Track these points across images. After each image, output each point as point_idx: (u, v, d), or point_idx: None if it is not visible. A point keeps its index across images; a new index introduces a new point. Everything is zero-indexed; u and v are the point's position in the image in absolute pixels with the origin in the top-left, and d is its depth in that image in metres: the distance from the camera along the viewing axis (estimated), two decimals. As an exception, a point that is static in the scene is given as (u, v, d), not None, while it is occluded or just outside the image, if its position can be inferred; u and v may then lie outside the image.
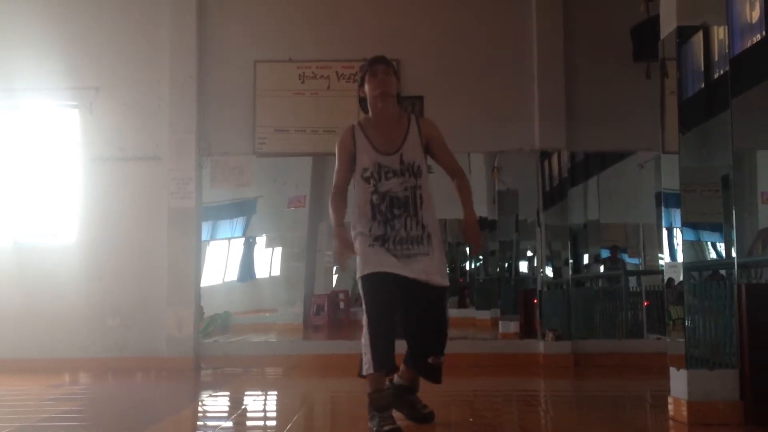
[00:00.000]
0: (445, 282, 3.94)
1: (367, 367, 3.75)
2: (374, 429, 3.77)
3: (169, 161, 7.05)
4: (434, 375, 4.09)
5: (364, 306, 3.80)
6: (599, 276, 9.14)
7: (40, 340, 6.85)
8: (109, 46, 7.25)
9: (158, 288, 6.96)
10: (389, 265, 3.81)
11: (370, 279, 3.80)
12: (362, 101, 4.16)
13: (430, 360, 4.01)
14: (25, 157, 7.41)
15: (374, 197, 3.89)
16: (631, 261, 9.47)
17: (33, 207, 7.39)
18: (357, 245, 3.87)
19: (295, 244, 10.17)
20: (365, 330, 3.77)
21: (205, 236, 7.50)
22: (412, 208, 3.89)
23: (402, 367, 4.11)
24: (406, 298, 3.86)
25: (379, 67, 4.04)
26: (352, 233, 3.94)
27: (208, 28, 7.23)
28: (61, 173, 7.37)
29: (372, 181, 3.90)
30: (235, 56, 7.25)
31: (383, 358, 3.75)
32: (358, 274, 3.87)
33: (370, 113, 4.10)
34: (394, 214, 3.87)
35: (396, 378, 4.15)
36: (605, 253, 9.43)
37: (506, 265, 9.55)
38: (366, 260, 3.85)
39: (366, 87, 4.06)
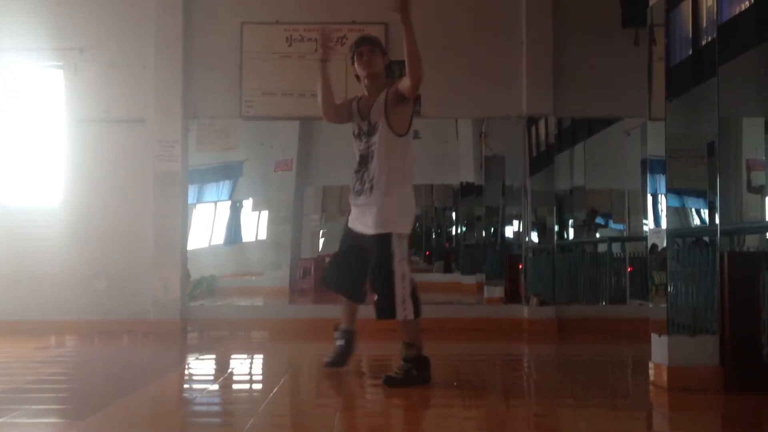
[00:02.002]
0: (379, 230, 4.25)
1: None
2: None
3: (155, 124, 7.00)
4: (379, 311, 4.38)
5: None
6: (583, 242, 9.20)
7: (26, 302, 6.84)
8: (93, 6, 7.15)
9: (144, 251, 6.94)
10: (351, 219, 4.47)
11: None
12: (357, 77, 4.58)
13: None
14: (9, 118, 7.33)
15: (356, 153, 4.47)
16: (615, 227, 9.54)
17: (18, 169, 7.33)
18: None
19: (281, 207, 10.18)
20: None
21: (191, 199, 7.48)
22: (368, 163, 4.36)
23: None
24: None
25: (365, 48, 4.45)
26: None
27: (194, -11, 7.14)
28: (46, 135, 7.30)
29: (355, 140, 4.48)
30: (221, 18, 7.16)
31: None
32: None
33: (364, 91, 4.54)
34: (358, 169, 4.41)
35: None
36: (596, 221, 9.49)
37: (492, 230, 9.59)
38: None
39: (355, 67, 4.49)
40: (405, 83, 4.30)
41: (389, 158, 4.30)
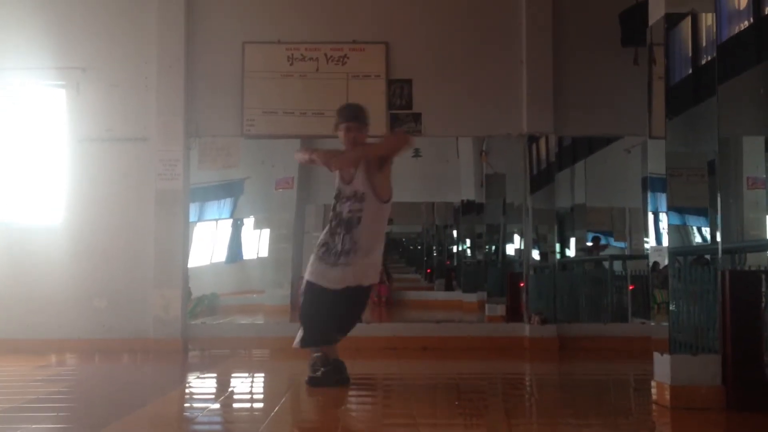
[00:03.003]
0: (365, 282, 4.79)
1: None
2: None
3: (157, 142, 7.02)
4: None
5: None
6: (585, 260, 9.20)
7: (27, 320, 6.83)
8: (96, 26, 7.19)
9: (145, 269, 6.95)
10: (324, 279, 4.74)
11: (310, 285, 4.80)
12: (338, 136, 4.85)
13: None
14: (11, 136, 7.36)
15: (332, 214, 4.75)
16: (616, 245, 9.54)
17: (20, 188, 7.35)
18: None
19: (282, 225, 10.20)
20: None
21: (192, 217, 7.49)
22: (352, 228, 4.66)
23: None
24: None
25: (353, 125, 4.73)
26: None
27: (196, 8, 7.18)
28: (48, 154, 7.32)
29: (335, 202, 4.75)
30: (223, 37, 7.20)
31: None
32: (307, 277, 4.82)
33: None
34: (340, 231, 4.68)
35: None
36: (589, 237, 9.50)
37: (493, 248, 9.59)
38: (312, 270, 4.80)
39: (340, 134, 4.77)
40: (386, 148, 4.81)
41: (373, 223, 4.72)
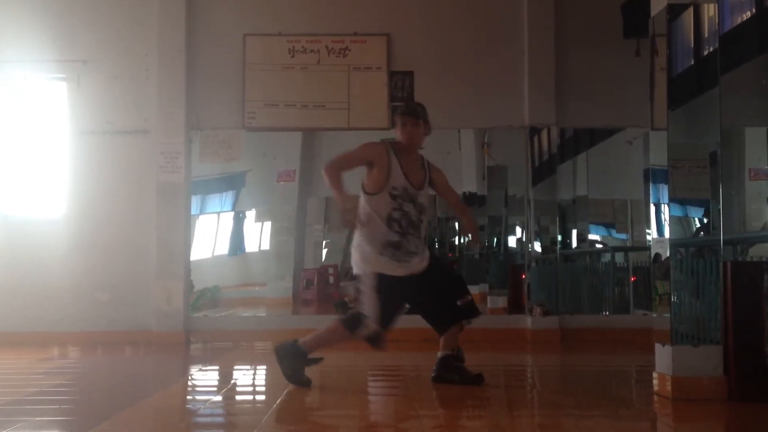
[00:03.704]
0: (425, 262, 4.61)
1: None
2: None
3: (158, 135, 7.02)
4: (471, 310, 4.65)
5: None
6: (587, 252, 9.19)
7: (29, 313, 6.85)
8: (97, 19, 7.19)
9: (147, 262, 6.96)
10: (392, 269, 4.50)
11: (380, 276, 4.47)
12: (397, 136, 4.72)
13: (459, 303, 4.62)
14: (12, 129, 7.36)
15: (395, 213, 4.50)
16: (618, 237, 9.52)
17: (21, 180, 7.35)
18: (367, 248, 4.51)
19: (284, 218, 10.18)
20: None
21: (194, 210, 7.49)
22: (419, 230, 4.60)
23: (442, 340, 4.71)
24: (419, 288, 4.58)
25: (409, 119, 4.63)
26: (360, 234, 4.54)
27: (197, 1, 7.17)
28: (49, 146, 7.32)
29: (399, 200, 4.51)
30: (224, 30, 7.19)
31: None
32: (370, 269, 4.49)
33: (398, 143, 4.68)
34: (409, 231, 4.52)
35: (440, 351, 4.72)
36: (596, 230, 9.48)
37: (495, 240, 9.59)
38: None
39: (397, 131, 4.67)
40: (454, 199, 5.09)
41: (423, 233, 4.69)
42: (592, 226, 9.45)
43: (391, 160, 4.53)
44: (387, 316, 4.44)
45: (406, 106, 4.87)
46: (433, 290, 4.60)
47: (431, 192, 4.79)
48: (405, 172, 4.56)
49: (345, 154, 4.66)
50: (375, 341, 4.47)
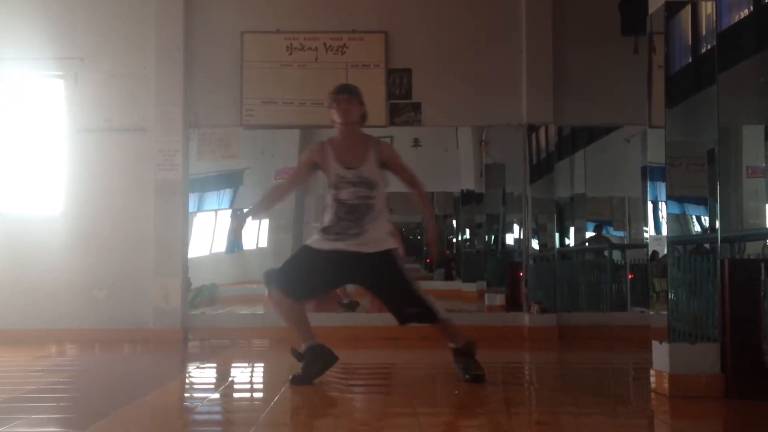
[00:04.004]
0: (383, 246, 4.58)
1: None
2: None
3: (156, 133, 7.01)
4: (420, 317, 4.66)
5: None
6: (585, 249, 9.20)
7: (26, 311, 6.85)
8: (94, 16, 7.17)
9: (145, 260, 6.95)
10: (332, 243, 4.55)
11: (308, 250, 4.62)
12: (333, 122, 4.70)
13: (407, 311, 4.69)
14: (9, 127, 7.35)
15: (335, 203, 4.55)
16: (616, 234, 9.53)
17: (18, 178, 7.34)
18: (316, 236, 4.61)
19: (282, 215, 10.17)
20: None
21: (192, 208, 7.49)
22: (362, 216, 4.52)
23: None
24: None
25: (342, 97, 4.63)
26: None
27: (195, -2, 7.17)
28: (47, 144, 7.31)
29: (335, 188, 4.55)
30: (221, 27, 7.19)
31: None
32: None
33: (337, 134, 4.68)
34: (345, 218, 4.52)
35: (450, 343, 4.71)
36: (590, 227, 9.49)
37: (493, 238, 9.59)
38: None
39: (333, 111, 4.64)
40: (408, 178, 4.79)
41: (382, 211, 4.64)
42: (590, 224, 9.46)
43: (326, 154, 4.58)
44: (290, 280, 4.56)
45: (339, 85, 4.85)
46: (381, 292, 4.73)
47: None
48: (338, 159, 4.57)
49: (293, 171, 4.87)
50: (278, 305, 4.66)
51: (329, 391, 4.55)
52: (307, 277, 4.58)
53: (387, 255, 4.56)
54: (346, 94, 4.65)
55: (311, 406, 4.26)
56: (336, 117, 4.63)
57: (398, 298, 4.64)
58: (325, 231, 4.56)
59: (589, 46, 7.14)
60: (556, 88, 7.10)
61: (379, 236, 4.56)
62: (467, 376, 4.54)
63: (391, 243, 4.61)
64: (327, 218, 4.58)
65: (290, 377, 4.53)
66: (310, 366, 4.55)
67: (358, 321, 7.19)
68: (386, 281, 4.60)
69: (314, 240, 4.60)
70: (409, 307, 4.62)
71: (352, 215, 4.51)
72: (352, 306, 7.90)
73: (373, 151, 4.62)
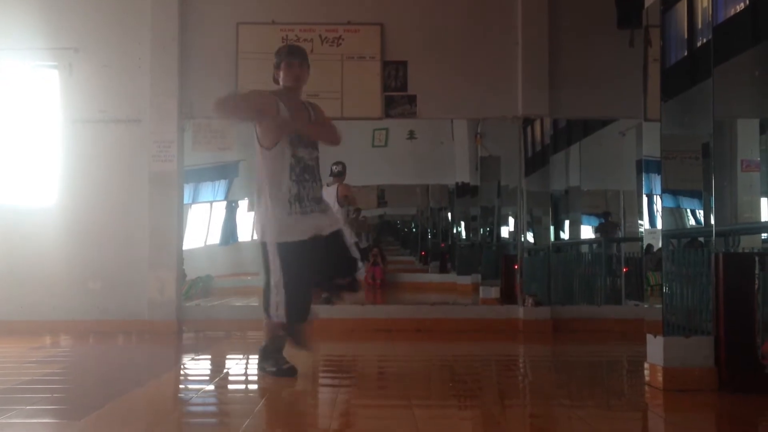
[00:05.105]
0: (335, 227, 4.56)
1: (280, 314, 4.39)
2: (274, 368, 4.44)
3: (151, 124, 6.99)
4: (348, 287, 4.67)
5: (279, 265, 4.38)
6: (580, 242, 9.22)
7: (21, 302, 6.83)
8: (89, 6, 7.13)
9: (140, 251, 6.94)
10: (299, 232, 4.39)
11: (285, 246, 4.38)
12: (275, 80, 4.67)
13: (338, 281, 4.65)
14: (3, 118, 7.32)
15: (292, 160, 4.42)
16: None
17: (12, 169, 7.32)
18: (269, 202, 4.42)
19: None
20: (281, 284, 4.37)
21: (187, 199, 7.48)
22: (314, 174, 4.52)
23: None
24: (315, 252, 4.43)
25: (295, 61, 4.59)
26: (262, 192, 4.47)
27: (190, -11, 7.14)
28: (41, 135, 7.29)
29: (292, 146, 4.43)
30: (217, 18, 7.16)
31: (301, 312, 4.44)
32: (274, 239, 4.39)
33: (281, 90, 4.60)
34: (306, 178, 4.45)
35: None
36: (589, 221, 9.51)
37: (488, 230, 9.60)
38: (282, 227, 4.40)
39: (281, 73, 4.58)
40: (330, 134, 4.64)
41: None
42: (584, 217, 9.49)
43: (280, 106, 4.48)
44: (302, 311, 4.46)
45: (291, 47, 4.75)
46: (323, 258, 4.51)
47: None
48: (293, 117, 4.49)
49: (235, 98, 4.71)
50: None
51: (324, 384, 4.56)
52: (308, 291, 4.48)
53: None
54: (299, 59, 4.60)
55: (306, 398, 4.27)
56: (286, 80, 4.56)
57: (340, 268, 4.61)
58: (296, 199, 4.39)
59: (585, 38, 7.13)
60: (551, 81, 7.09)
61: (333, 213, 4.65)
62: (273, 369, 4.48)
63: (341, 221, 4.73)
64: (285, 183, 4.39)
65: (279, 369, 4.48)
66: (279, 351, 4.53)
67: (352, 313, 7.19)
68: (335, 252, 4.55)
69: (284, 225, 4.37)
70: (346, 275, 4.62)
71: (310, 174, 4.46)
72: (330, 299, 7.93)
73: (312, 110, 4.64)
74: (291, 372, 4.45)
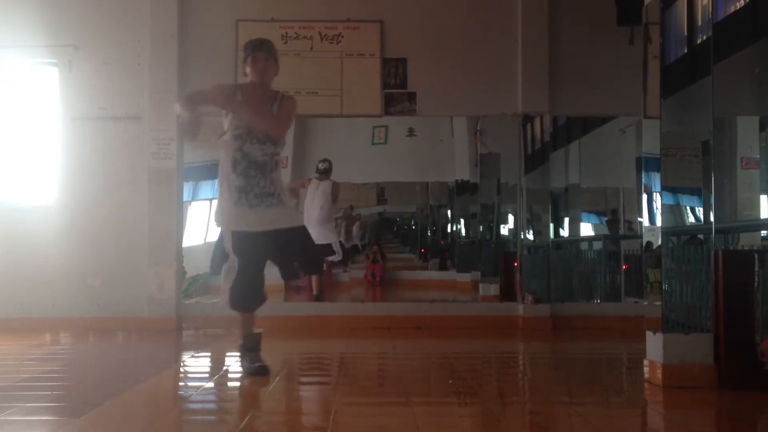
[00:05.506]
0: (294, 223, 4.55)
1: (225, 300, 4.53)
2: (247, 366, 4.47)
3: (151, 121, 6.99)
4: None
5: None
6: (579, 239, 9.22)
7: (21, 299, 6.83)
8: (88, 3, 7.13)
9: (139, 248, 6.94)
10: (245, 224, 4.42)
11: (236, 235, 4.42)
12: (244, 75, 4.63)
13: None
14: (3, 115, 7.31)
15: (238, 154, 4.41)
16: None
17: (12, 167, 7.32)
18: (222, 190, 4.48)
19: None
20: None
21: (186, 197, 7.47)
22: (267, 172, 4.43)
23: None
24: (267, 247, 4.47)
25: (260, 54, 4.52)
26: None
27: (190, -14, 7.13)
28: (40, 132, 7.28)
29: (239, 140, 4.41)
30: (216, 15, 7.15)
31: (244, 301, 4.55)
32: (225, 227, 4.47)
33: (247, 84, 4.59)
34: (251, 173, 4.41)
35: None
36: (590, 218, 9.52)
37: (487, 228, 9.61)
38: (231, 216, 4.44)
39: (248, 68, 4.54)
40: (263, 123, 4.46)
41: (281, 168, 4.59)
42: (584, 214, 9.49)
43: (237, 97, 4.47)
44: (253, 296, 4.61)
45: (257, 41, 4.63)
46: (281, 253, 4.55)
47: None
48: (250, 110, 4.43)
49: (197, 92, 4.56)
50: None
51: (323, 381, 4.56)
52: (253, 283, 4.54)
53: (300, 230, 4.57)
54: (265, 53, 4.54)
55: (305, 396, 4.28)
56: (252, 75, 4.53)
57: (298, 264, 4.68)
58: (240, 191, 4.39)
59: (585, 36, 7.13)
60: (551, 78, 7.09)
61: (286, 210, 4.53)
62: (246, 366, 4.51)
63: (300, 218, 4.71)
64: (231, 175, 4.41)
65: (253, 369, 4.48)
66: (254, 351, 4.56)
67: (352, 310, 7.20)
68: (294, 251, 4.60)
69: (232, 214, 4.41)
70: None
71: (258, 170, 4.41)
72: (321, 297, 8.01)
73: (278, 105, 4.53)
74: (260, 371, 4.43)
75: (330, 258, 8.61)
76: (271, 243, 4.44)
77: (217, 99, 4.41)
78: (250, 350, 4.54)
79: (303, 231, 4.62)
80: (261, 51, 4.53)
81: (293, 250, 4.56)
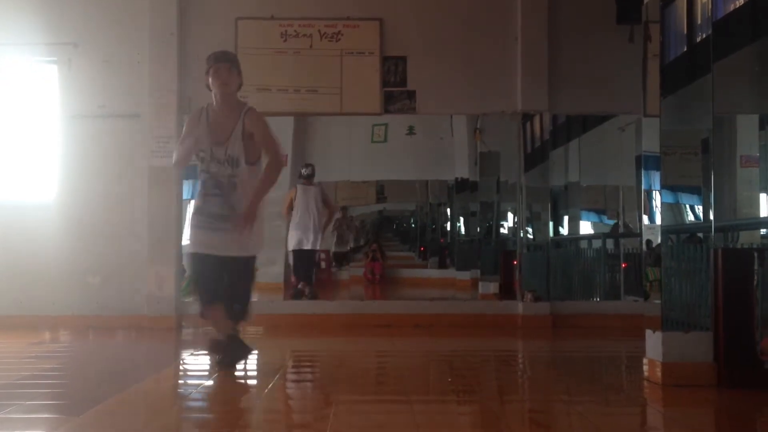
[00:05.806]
0: (243, 253, 4.55)
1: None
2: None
3: (150, 119, 6.98)
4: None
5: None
6: (578, 238, 9.23)
7: (21, 297, 6.83)
8: (88, 2, 7.12)
9: (139, 247, 6.94)
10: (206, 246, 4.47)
11: (194, 257, 4.54)
12: (207, 86, 4.59)
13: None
14: (2, 113, 7.31)
15: (204, 175, 4.49)
16: (610, 223, 9.56)
17: (12, 165, 7.31)
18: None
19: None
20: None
21: (186, 195, 7.47)
22: (229, 193, 4.43)
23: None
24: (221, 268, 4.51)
25: (223, 66, 4.50)
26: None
27: (189, -17, 7.12)
28: (40, 130, 7.28)
29: (205, 162, 4.47)
30: (216, 13, 7.15)
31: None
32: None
33: (213, 101, 4.57)
34: (214, 193, 4.44)
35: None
36: (589, 216, 9.52)
37: (487, 226, 9.61)
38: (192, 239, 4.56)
39: (210, 79, 4.50)
40: (271, 161, 4.53)
41: (248, 187, 4.47)
42: (583, 213, 9.50)
43: (202, 120, 4.48)
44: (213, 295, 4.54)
45: (219, 53, 4.62)
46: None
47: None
48: (211, 130, 4.45)
49: (180, 140, 4.63)
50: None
51: (323, 379, 4.56)
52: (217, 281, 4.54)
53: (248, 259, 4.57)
54: (227, 63, 4.52)
55: (304, 394, 4.28)
56: (214, 87, 4.49)
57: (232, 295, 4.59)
58: (197, 211, 4.50)
59: (585, 34, 7.12)
60: (550, 77, 7.08)
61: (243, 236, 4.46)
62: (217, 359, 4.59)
63: (254, 247, 4.59)
64: (198, 194, 4.53)
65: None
66: (237, 351, 4.60)
67: (351, 309, 7.20)
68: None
69: (192, 234, 4.54)
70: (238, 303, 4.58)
71: (219, 190, 4.43)
72: (314, 295, 8.05)
73: (241, 123, 4.47)
74: (222, 366, 4.54)
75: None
76: (222, 268, 4.48)
77: (192, 130, 4.49)
78: (222, 344, 4.60)
79: (247, 264, 4.60)
80: (223, 62, 4.51)
81: (232, 281, 4.56)
